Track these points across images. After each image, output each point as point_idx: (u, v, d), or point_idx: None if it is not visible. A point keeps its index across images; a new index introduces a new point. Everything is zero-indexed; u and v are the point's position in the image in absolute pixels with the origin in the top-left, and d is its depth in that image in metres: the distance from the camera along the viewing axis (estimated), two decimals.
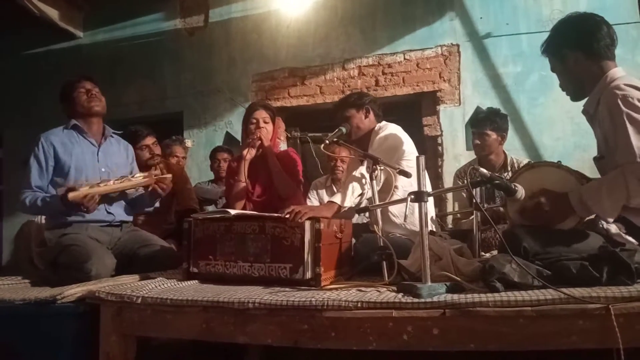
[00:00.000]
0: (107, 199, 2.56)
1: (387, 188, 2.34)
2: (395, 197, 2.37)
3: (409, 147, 2.53)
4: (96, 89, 2.69)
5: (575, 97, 2.00)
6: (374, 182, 2.13)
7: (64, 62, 5.69)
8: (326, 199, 4.09)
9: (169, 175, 2.70)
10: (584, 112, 1.98)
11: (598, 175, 1.87)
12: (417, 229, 1.74)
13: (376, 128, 2.65)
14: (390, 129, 2.60)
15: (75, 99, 2.64)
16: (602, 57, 1.86)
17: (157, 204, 2.86)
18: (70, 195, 2.31)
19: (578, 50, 1.89)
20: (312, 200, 4.03)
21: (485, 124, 3.30)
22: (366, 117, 2.69)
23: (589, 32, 1.87)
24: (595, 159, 1.95)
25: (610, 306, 1.31)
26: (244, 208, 2.73)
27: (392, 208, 2.48)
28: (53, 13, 5.37)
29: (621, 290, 1.38)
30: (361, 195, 2.30)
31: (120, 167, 2.72)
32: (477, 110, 4.05)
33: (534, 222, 1.77)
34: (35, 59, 5.87)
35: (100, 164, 2.63)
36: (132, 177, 2.59)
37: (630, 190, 1.61)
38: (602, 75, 1.85)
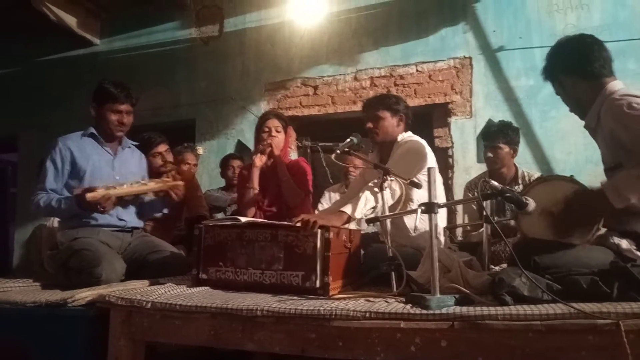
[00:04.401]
0: (122, 202, 2.58)
1: (404, 199, 2.33)
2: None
3: (431, 162, 2.48)
4: (130, 116, 2.68)
5: (584, 117, 2.01)
6: (384, 192, 2.13)
7: (79, 68, 5.78)
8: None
9: (182, 182, 2.73)
10: (586, 126, 1.98)
11: None
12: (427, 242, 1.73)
13: (399, 138, 2.61)
14: (415, 141, 2.57)
15: (106, 116, 2.63)
16: (599, 76, 1.88)
17: (165, 211, 2.88)
18: (89, 195, 2.33)
19: (574, 74, 1.92)
20: (324, 203, 4.04)
21: (497, 138, 3.29)
22: (398, 124, 2.64)
23: (581, 55, 1.90)
24: (607, 170, 1.94)
25: (620, 322, 1.30)
26: (254, 217, 2.75)
27: (406, 221, 2.47)
28: (71, 20, 5.45)
29: (632, 306, 1.36)
30: (374, 208, 2.29)
31: (133, 176, 2.75)
32: (489, 124, 4.04)
33: (563, 225, 1.73)
34: (51, 64, 5.97)
35: (115, 172, 2.67)
36: (146, 182, 2.63)
37: None
38: (600, 91, 1.87)
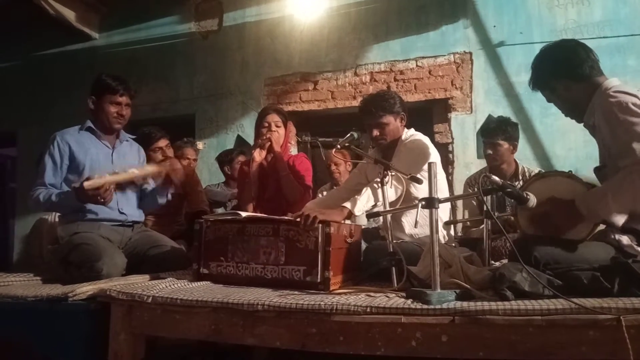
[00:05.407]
0: (122, 190, 2.56)
1: (407, 197, 2.32)
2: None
3: (435, 159, 2.46)
4: (129, 109, 2.68)
5: (580, 119, 2.01)
6: (386, 188, 2.13)
7: (78, 62, 5.76)
8: None
9: (179, 166, 2.72)
10: (585, 125, 1.98)
11: None
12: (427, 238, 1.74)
13: (403, 137, 2.60)
14: (419, 139, 2.57)
15: (105, 108, 2.62)
16: (590, 77, 1.88)
17: (169, 196, 2.84)
18: (87, 183, 2.30)
19: (565, 78, 1.91)
20: None
21: (497, 134, 3.28)
22: (401, 124, 2.63)
23: (570, 59, 1.90)
24: (596, 169, 1.95)
25: (621, 317, 1.30)
26: (254, 212, 2.75)
27: (405, 220, 2.47)
28: (69, 14, 5.42)
29: (633, 301, 1.37)
30: (374, 205, 2.29)
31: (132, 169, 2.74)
32: (488, 120, 4.03)
33: (543, 230, 1.76)
34: (50, 59, 5.94)
35: (114, 165, 2.64)
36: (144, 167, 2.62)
37: (637, 189, 1.60)
38: (595, 89, 1.87)
